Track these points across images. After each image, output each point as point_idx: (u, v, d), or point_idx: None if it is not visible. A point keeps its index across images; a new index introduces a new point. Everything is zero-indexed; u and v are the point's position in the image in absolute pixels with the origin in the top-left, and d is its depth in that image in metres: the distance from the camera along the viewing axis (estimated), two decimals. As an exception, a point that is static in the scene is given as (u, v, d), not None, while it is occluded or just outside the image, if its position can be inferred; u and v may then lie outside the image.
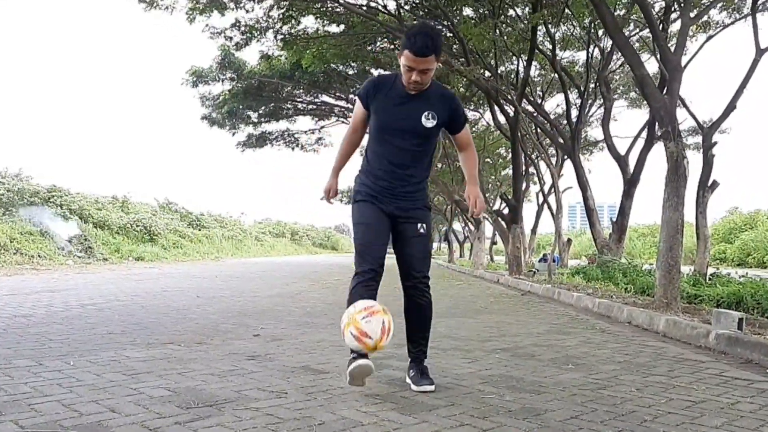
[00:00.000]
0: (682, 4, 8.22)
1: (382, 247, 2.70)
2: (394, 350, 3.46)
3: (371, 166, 2.75)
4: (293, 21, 12.78)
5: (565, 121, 15.45)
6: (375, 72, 17.05)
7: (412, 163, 2.70)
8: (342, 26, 13.25)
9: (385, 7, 12.54)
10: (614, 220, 12.03)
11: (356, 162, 2.99)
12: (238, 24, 12.73)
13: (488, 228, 21.68)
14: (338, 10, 12.26)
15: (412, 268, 2.72)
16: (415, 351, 2.80)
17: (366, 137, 2.91)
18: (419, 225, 2.73)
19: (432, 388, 2.65)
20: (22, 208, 17.22)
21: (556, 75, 13.81)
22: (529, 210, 22.98)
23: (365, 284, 2.63)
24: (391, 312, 2.54)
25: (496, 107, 13.93)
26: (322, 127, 21.48)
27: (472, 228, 21.41)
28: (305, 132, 21.83)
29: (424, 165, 2.77)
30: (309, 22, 13.39)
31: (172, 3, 10.91)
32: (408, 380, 2.77)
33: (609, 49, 12.73)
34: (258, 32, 13.01)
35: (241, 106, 18.03)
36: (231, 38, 13.11)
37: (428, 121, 2.64)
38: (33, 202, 17.84)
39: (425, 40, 2.47)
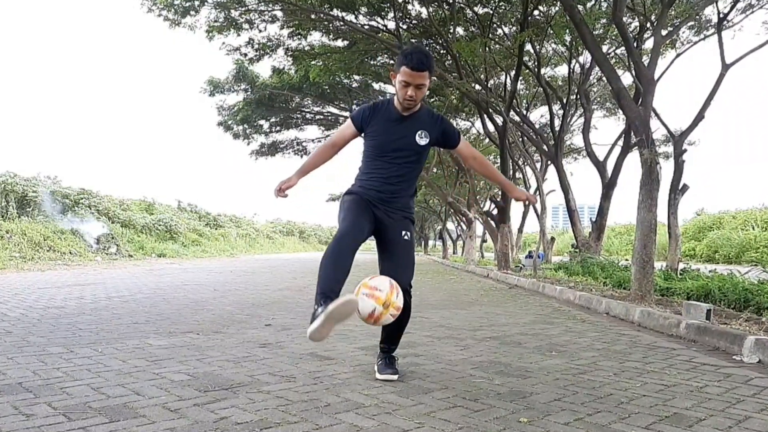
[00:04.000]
0: (655, 24, 8.22)
1: (363, 231, 2.52)
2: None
3: (365, 179, 2.69)
4: (301, 37, 12.82)
5: (548, 130, 15.45)
6: (376, 85, 17.07)
7: (403, 179, 2.66)
8: (346, 42, 13.27)
9: (385, 26, 12.56)
10: (594, 220, 12.02)
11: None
12: (251, 42, 12.77)
13: (479, 227, 21.66)
14: (342, 27, 12.28)
15: (396, 275, 2.50)
16: (387, 346, 2.71)
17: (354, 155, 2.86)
18: (403, 232, 2.62)
19: (395, 377, 2.57)
20: (54, 209, 17.21)
21: (541, 88, 13.81)
22: (516, 211, 23.00)
23: (342, 242, 2.41)
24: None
25: (486, 117, 13.93)
26: (327, 136, 21.46)
27: (464, 227, 21.38)
28: (313, 140, 21.81)
29: (412, 181, 2.73)
30: (315, 38, 13.42)
31: (194, 22, 10.96)
32: (375, 368, 2.68)
33: (588, 64, 12.74)
34: (270, 49, 13.05)
35: (254, 115, 18.03)
36: (246, 54, 13.14)
37: (422, 139, 2.63)
38: (64, 204, 17.84)
39: (421, 57, 2.48)
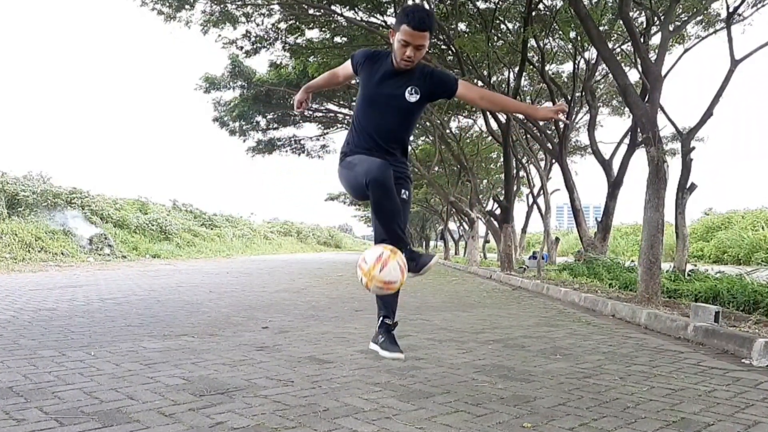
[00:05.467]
0: (663, 19, 8.22)
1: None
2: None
3: (357, 138, 2.69)
4: (299, 32, 12.80)
5: (553, 128, 15.45)
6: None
7: (394, 134, 2.66)
8: (345, 39, 13.26)
9: (384, 22, 12.55)
10: (599, 219, 12.02)
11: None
12: (248, 35, 12.75)
13: (481, 227, 21.66)
14: (341, 21, 12.28)
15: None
16: (387, 314, 2.67)
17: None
18: (402, 190, 2.65)
19: (402, 356, 2.53)
20: (45, 208, 17.21)
21: (545, 85, 13.81)
22: (519, 210, 22.98)
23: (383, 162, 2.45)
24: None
25: (489, 114, 13.93)
26: (326, 133, 21.46)
27: (466, 227, 21.38)
28: (311, 138, 21.80)
29: (404, 139, 2.72)
30: (314, 34, 13.42)
31: (189, 17, 10.96)
32: (376, 347, 2.60)
33: (594, 60, 12.74)
34: (267, 42, 13.02)
35: (250, 111, 18.03)
36: (242, 48, 13.11)
37: (411, 96, 2.61)
38: (56, 203, 17.83)
39: (423, 15, 2.47)
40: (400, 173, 2.66)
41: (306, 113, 3.52)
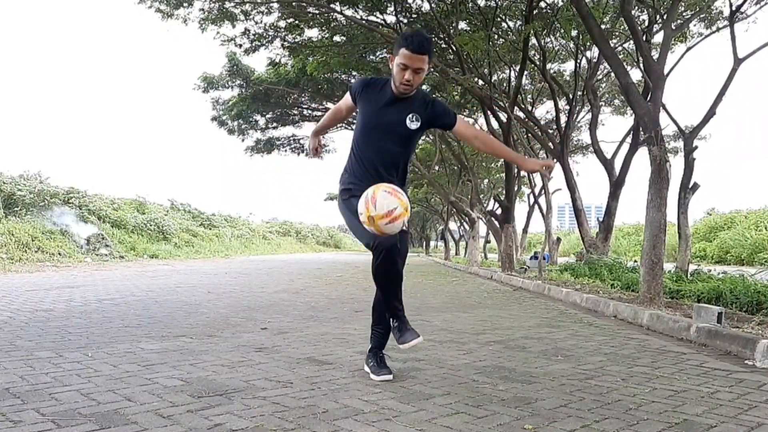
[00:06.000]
0: (665, 17, 8.22)
1: None
2: (392, 342, 3.45)
3: (356, 166, 2.72)
4: (299, 30, 12.80)
5: (554, 127, 15.45)
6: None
7: (393, 165, 2.69)
8: (344, 38, 13.26)
9: (384, 20, 12.55)
10: (601, 219, 12.02)
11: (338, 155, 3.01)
12: (247, 32, 12.74)
13: (482, 227, 21.67)
14: (340, 18, 12.28)
15: None
16: (382, 331, 2.80)
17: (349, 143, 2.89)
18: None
19: (391, 377, 2.64)
20: (42, 208, 17.21)
21: (546, 84, 13.82)
22: (520, 210, 22.99)
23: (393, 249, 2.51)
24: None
25: (489, 113, 13.94)
26: (325, 132, 21.45)
27: (467, 227, 21.39)
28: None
29: (403, 168, 2.76)
30: (313, 33, 13.41)
31: (187, 14, 10.96)
32: (366, 369, 2.75)
33: (596, 59, 12.74)
34: (266, 40, 13.02)
35: (249, 110, 18.03)
36: (240, 45, 13.11)
37: (412, 123, 2.65)
38: (53, 203, 17.83)
39: (421, 39, 2.52)
40: None
41: (321, 156, 3.63)
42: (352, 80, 17.01)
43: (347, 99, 2.80)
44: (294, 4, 11.46)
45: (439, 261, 25.58)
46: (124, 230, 19.98)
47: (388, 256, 2.50)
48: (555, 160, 2.92)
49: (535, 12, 10.83)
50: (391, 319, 2.72)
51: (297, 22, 12.27)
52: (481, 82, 13.55)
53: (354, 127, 2.84)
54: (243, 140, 20.08)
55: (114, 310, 5.08)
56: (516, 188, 18.32)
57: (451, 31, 12.08)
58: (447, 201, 21.84)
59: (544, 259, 11.29)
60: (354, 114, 2.88)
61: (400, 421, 2.06)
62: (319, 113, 19.99)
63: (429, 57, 2.54)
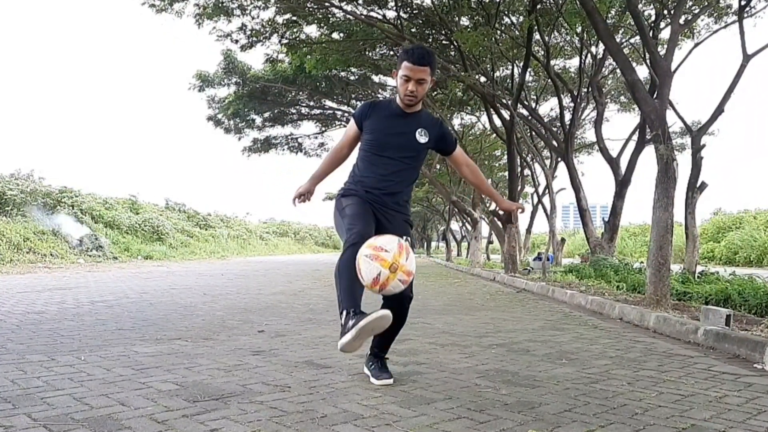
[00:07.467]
0: (672, 12, 8.22)
1: (370, 225, 2.56)
2: (393, 346, 3.45)
3: (361, 178, 2.73)
4: (297, 27, 12.80)
5: (558, 125, 15.46)
6: (375, 77, 17.07)
7: (400, 179, 2.73)
8: (342, 35, 13.26)
9: (384, 16, 12.55)
10: (606, 220, 12.03)
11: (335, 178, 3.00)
12: (244, 28, 12.73)
13: (485, 227, 21.68)
14: (339, 15, 12.28)
15: None
16: (380, 351, 2.81)
17: (355, 154, 2.87)
18: (404, 237, 2.58)
19: (391, 381, 2.67)
20: (34, 208, 17.21)
21: (550, 80, 13.82)
22: (524, 210, 22.99)
23: (356, 251, 2.37)
24: None
25: (492, 111, 13.94)
26: (324, 131, 21.46)
27: (469, 227, 21.41)
28: (308, 136, 21.80)
29: (410, 183, 2.80)
30: (312, 29, 13.41)
31: (181, 8, 10.95)
32: (366, 371, 2.78)
33: (601, 55, 12.75)
34: (263, 36, 13.01)
35: (245, 108, 18.04)
36: (237, 41, 13.09)
37: (421, 137, 2.72)
38: (45, 203, 17.83)
39: (422, 52, 2.62)
40: (404, 219, 2.76)
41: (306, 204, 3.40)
42: (351, 78, 17.05)
43: (351, 127, 2.79)
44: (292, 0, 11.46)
45: (440, 262, 25.59)
46: (118, 230, 19.99)
47: (351, 257, 2.40)
48: (524, 206, 3.02)
49: (538, 7, 10.83)
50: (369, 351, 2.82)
51: (295, 18, 12.26)
52: (483, 79, 13.56)
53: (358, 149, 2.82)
54: (240, 139, 20.12)
55: (107, 313, 5.08)
56: (519, 188, 18.32)
57: (453, 27, 12.08)
58: (449, 200, 21.85)
59: (548, 260, 11.30)
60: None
61: (400, 426, 2.06)
62: (318, 112, 20.02)
63: (431, 69, 2.62)
